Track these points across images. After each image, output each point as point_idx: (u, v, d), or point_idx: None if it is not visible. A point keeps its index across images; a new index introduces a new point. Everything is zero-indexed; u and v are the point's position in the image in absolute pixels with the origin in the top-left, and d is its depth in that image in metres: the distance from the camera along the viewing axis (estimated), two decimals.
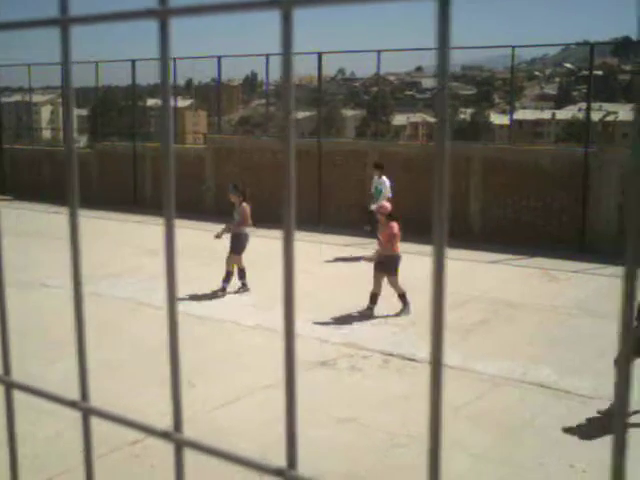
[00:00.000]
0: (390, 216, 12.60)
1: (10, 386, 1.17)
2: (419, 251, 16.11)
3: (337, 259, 16.57)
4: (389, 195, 16.34)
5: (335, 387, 9.40)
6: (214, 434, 7.89)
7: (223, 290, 13.59)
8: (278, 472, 0.87)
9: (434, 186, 0.79)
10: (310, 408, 8.22)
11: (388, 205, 12.98)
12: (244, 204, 13.66)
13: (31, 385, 1.14)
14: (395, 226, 12.45)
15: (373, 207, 15.29)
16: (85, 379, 1.06)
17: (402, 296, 12.33)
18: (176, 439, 0.96)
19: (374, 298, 12.41)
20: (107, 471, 7.25)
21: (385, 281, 12.37)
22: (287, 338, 0.87)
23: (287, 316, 0.86)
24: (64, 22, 0.94)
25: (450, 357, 9.77)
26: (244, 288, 13.77)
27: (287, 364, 0.87)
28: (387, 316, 12.15)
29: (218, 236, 13.93)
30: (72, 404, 1.06)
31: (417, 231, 17.17)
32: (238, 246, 13.66)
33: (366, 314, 12.31)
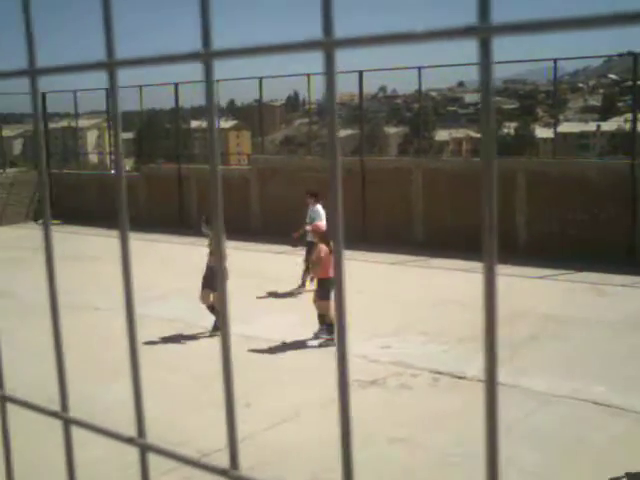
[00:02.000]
0: (323, 237, 12.21)
1: (68, 422, 1.19)
2: (463, 267, 16.11)
3: (381, 277, 16.54)
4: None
5: (386, 406, 9.37)
6: (269, 454, 7.91)
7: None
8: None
9: (482, 201, 0.80)
10: (362, 427, 8.20)
11: (322, 225, 12.82)
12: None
13: (89, 422, 1.16)
14: (323, 249, 12.00)
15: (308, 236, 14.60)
16: (141, 415, 1.08)
17: (323, 319, 12.03)
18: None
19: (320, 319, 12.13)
20: None
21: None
22: (340, 359, 0.89)
23: (340, 335, 0.88)
24: (111, 65, 0.97)
25: (500, 374, 9.66)
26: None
27: (341, 385, 0.89)
28: (433, 334, 12.08)
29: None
30: (129, 440, 1.08)
31: (461, 247, 17.16)
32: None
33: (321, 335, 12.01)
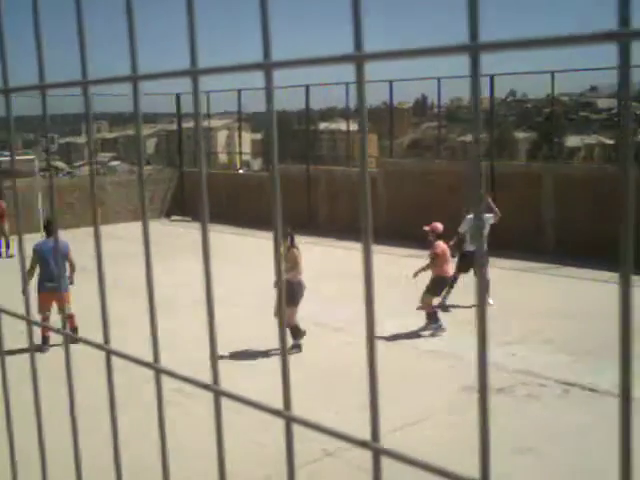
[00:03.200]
0: (440, 236, 12.76)
1: (218, 394, 1.23)
2: (594, 277, 15.67)
3: (509, 283, 16.24)
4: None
5: (513, 415, 9.21)
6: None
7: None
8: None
9: (623, 210, 0.78)
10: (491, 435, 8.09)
11: (439, 225, 12.97)
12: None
13: (239, 395, 1.19)
14: (440, 245, 12.61)
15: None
16: (288, 390, 1.10)
17: (431, 314, 12.62)
18: (374, 448, 1.00)
19: (432, 315, 12.68)
20: None
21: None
22: (480, 367, 0.88)
23: (480, 343, 0.87)
24: (267, 67, 0.99)
25: (636, 388, 9.38)
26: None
27: (481, 393, 0.88)
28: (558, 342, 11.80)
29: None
30: (277, 412, 1.11)
31: (593, 256, 16.69)
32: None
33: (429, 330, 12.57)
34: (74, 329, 12.13)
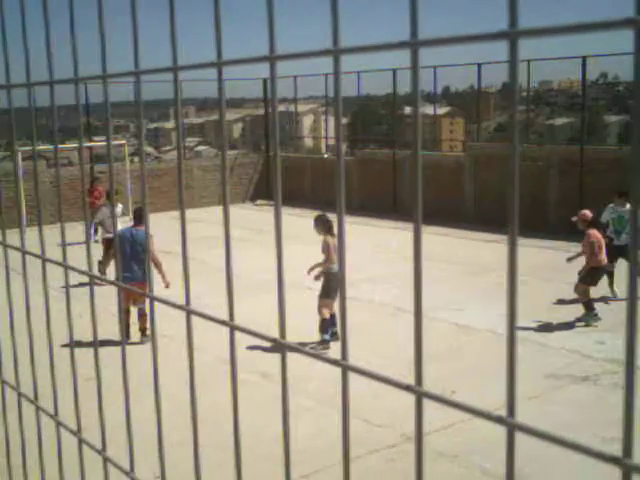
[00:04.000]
0: (591, 224, 12.44)
1: (346, 369, 1.24)
2: None
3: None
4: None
5: (598, 405, 9.06)
6: (476, 442, 7.87)
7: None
8: (614, 460, 0.90)
9: None
10: (572, 425, 7.99)
11: (588, 212, 12.62)
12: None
13: (366, 369, 1.21)
14: (593, 233, 12.27)
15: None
16: (420, 366, 1.11)
17: (586, 303, 12.27)
18: (509, 423, 0.99)
19: (587, 305, 12.30)
20: (361, 472, 7.44)
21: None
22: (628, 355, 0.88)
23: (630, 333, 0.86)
24: (414, 45, 0.99)
25: None
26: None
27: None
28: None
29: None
30: (407, 388, 1.11)
31: None
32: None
33: (583, 320, 12.23)
34: (143, 330, 11.67)
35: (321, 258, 11.52)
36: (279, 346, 1.32)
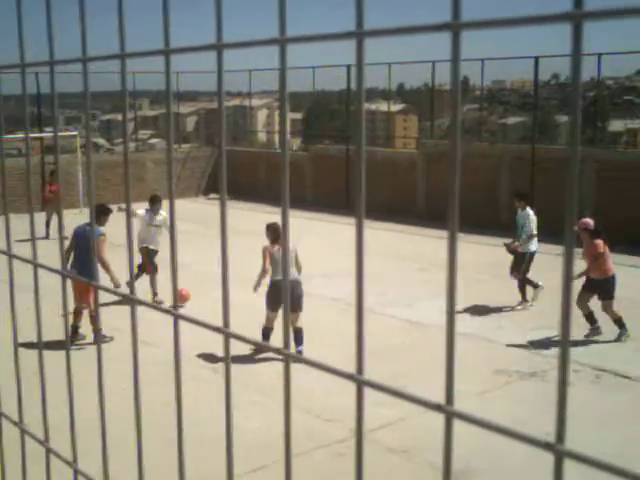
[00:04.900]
0: (593, 232, 11.25)
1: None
2: (634, 264, 15.53)
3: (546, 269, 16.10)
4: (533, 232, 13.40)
5: (544, 400, 9.16)
6: (421, 437, 7.92)
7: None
8: (547, 445, 0.90)
9: None
10: (518, 419, 8.07)
11: (590, 220, 11.42)
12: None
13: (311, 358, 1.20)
14: (600, 244, 11.19)
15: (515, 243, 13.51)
16: (361, 355, 1.09)
17: (618, 321, 11.27)
18: (447, 411, 0.99)
19: (588, 318, 11.31)
20: (309, 467, 7.45)
21: (594, 303, 11.32)
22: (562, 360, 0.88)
23: (564, 331, 0.87)
24: (359, 35, 0.97)
25: None
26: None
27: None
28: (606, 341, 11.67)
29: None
30: (350, 377, 1.10)
31: (630, 242, 16.54)
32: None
33: (591, 334, 11.33)
34: (96, 332, 10.87)
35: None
36: (223, 335, 1.31)
